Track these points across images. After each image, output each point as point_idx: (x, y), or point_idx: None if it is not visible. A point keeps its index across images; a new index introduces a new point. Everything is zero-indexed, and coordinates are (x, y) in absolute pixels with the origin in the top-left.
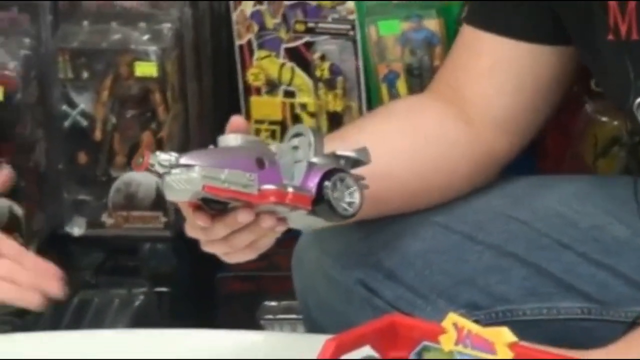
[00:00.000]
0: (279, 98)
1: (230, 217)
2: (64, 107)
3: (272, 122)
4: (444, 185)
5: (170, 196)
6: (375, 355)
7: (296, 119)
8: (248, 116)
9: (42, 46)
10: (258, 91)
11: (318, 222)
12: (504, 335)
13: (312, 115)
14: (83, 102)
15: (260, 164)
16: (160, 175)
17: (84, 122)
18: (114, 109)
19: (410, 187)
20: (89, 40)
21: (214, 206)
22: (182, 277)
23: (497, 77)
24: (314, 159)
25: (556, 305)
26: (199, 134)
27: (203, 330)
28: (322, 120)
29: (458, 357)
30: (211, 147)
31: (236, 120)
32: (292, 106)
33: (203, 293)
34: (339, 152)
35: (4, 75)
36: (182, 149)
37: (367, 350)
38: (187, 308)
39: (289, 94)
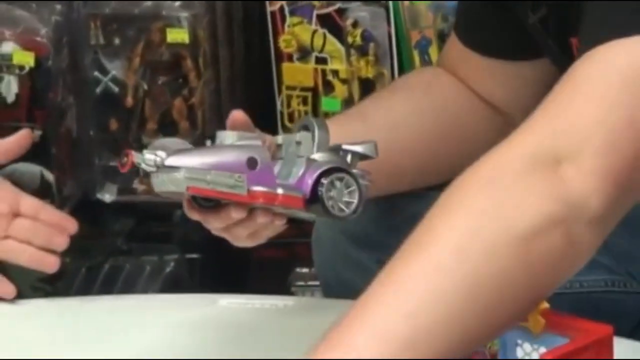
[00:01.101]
0: (311, 65)
1: (223, 213)
2: (96, 74)
3: (303, 89)
4: (464, 157)
5: (157, 192)
6: None
7: (328, 86)
8: (280, 82)
9: (73, 12)
10: (290, 58)
11: (316, 218)
12: None
13: (344, 81)
14: (114, 68)
15: (252, 163)
16: (146, 174)
17: (116, 89)
18: (146, 76)
19: (430, 163)
20: (121, 6)
21: (204, 203)
22: (213, 243)
23: (490, 79)
24: (316, 155)
25: (579, 279)
26: (230, 100)
27: (233, 296)
28: (354, 87)
29: None
30: (208, 142)
31: (236, 115)
32: (324, 73)
33: (234, 260)
34: (346, 146)
35: (35, 42)
36: (214, 116)
37: None
38: (218, 275)
39: (321, 61)
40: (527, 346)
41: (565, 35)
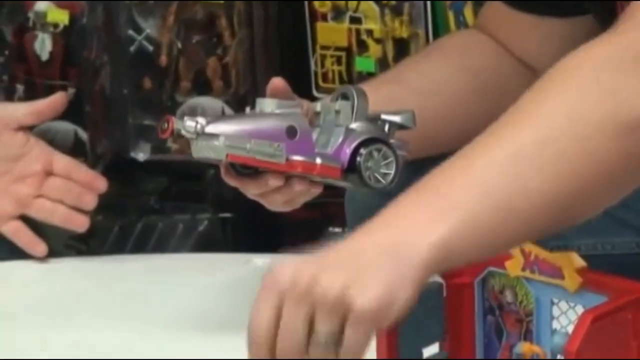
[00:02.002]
0: (345, 24)
1: (261, 180)
2: (130, 32)
3: (337, 48)
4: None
5: (196, 157)
6: (440, 280)
7: (362, 45)
8: (314, 42)
9: None
10: (324, 17)
11: (353, 188)
12: (573, 260)
13: (378, 41)
14: (149, 27)
15: (291, 132)
16: (186, 139)
17: (150, 47)
18: (180, 34)
19: (465, 126)
20: None
21: (242, 170)
22: (246, 202)
23: (542, 42)
24: (354, 125)
25: (611, 241)
26: (265, 59)
27: (266, 255)
28: (388, 47)
29: (524, 283)
30: (248, 110)
31: (276, 82)
32: (358, 32)
33: (267, 219)
34: (384, 116)
35: (69, 0)
36: (248, 75)
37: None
38: (251, 234)
39: (355, 20)
40: (564, 304)
41: None
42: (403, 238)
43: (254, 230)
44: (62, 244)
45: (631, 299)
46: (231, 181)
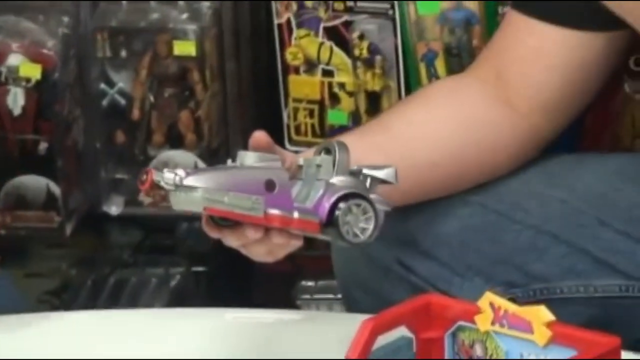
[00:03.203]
0: (318, 77)
1: (240, 232)
2: (102, 86)
3: (310, 101)
4: (487, 168)
5: (176, 209)
6: (410, 335)
7: (335, 98)
8: (286, 95)
9: (81, 25)
10: (297, 70)
11: (332, 242)
12: (541, 314)
13: (351, 94)
14: (121, 80)
15: (270, 186)
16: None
17: (122, 101)
18: (152, 88)
19: (454, 173)
20: (128, 19)
21: (222, 222)
22: (219, 256)
23: (544, 60)
24: (335, 179)
25: (594, 283)
26: (238, 113)
27: (239, 310)
28: (361, 100)
29: (494, 337)
30: (229, 161)
31: (258, 135)
32: (331, 85)
33: (240, 273)
34: (366, 171)
35: (42, 54)
36: (220, 128)
37: (401, 331)
38: (224, 288)
39: (328, 73)
40: (534, 358)
41: None
42: None
43: (226, 283)
44: (35, 298)
45: (600, 352)
46: (211, 232)
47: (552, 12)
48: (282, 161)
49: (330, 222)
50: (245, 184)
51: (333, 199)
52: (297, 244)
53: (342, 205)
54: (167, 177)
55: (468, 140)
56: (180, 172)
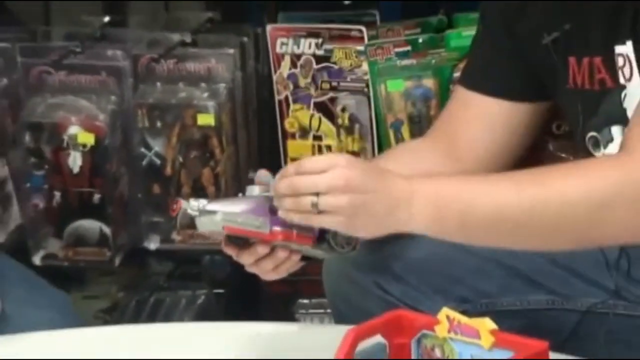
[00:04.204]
0: (309, 141)
1: (252, 249)
2: (142, 150)
3: None
4: None
5: (200, 231)
6: (384, 342)
7: None
8: (285, 155)
9: (125, 102)
10: (293, 136)
11: (323, 255)
12: (486, 324)
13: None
14: (157, 145)
15: (273, 210)
16: (192, 217)
17: (158, 161)
18: (181, 151)
19: None
20: (162, 97)
21: (237, 241)
22: (235, 281)
23: (483, 124)
24: None
25: (527, 298)
26: (247, 170)
27: (250, 323)
28: None
29: (450, 342)
30: (240, 194)
31: (262, 174)
32: (320, 147)
33: (251, 294)
34: None
35: (95, 125)
36: (234, 182)
37: (378, 338)
38: (238, 306)
39: (317, 138)
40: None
41: (566, 54)
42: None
43: (240, 302)
44: (91, 315)
45: (531, 352)
46: (229, 250)
47: (490, 87)
48: None
49: (322, 237)
50: (254, 208)
51: None
52: (296, 259)
53: None
54: (193, 204)
55: None
56: (203, 200)
